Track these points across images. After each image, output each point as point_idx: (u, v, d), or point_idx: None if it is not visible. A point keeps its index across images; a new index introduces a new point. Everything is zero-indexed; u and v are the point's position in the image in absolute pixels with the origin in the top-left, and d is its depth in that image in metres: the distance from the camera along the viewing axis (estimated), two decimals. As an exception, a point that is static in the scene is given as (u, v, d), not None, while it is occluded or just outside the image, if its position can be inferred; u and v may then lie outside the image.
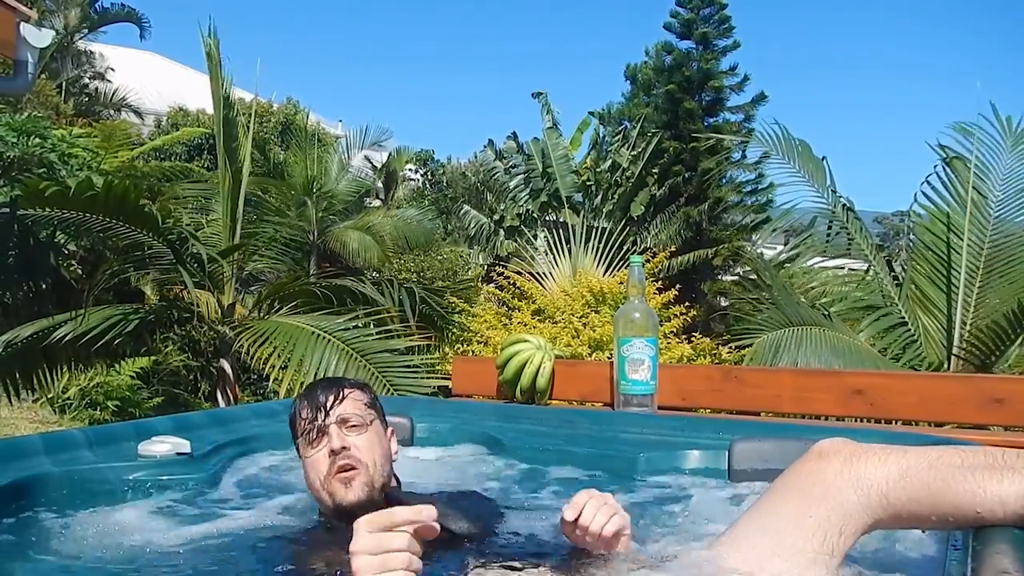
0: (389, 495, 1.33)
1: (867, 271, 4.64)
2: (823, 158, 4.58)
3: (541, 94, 11.56)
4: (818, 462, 1.12)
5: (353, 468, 1.30)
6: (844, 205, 4.54)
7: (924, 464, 1.05)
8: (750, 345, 4.17)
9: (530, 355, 2.64)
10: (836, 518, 1.06)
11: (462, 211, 12.81)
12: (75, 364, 5.23)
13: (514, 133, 11.62)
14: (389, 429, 1.44)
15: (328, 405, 1.35)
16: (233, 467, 1.85)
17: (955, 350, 4.02)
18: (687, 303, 7.89)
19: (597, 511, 1.11)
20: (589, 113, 12.90)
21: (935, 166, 4.24)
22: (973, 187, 4.07)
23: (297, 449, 1.39)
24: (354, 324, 4.94)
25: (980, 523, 1.02)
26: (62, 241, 6.15)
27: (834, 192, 4.54)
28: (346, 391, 1.39)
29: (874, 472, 1.06)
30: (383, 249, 10.29)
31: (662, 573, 1.17)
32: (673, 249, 11.81)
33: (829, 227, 4.60)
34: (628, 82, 17.01)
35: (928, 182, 4.25)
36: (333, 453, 1.31)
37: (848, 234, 4.51)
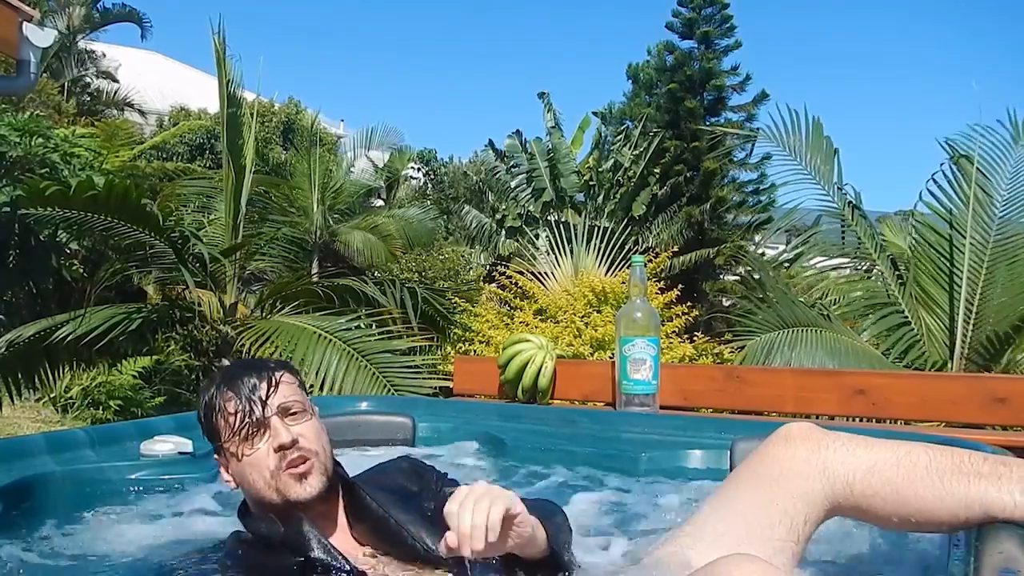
0: (343, 480, 1.25)
1: (868, 270, 4.62)
2: (835, 150, 4.51)
3: (545, 94, 11.57)
4: (784, 448, 1.11)
5: (306, 460, 1.18)
6: (850, 202, 4.51)
7: (892, 461, 1.04)
8: (742, 347, 4.17)
9: (532, 355, 2.65)
10: (802, 506, 1.06)
11: (463, 211, 12.80)
12: (77, 364, 5.24)
13: (517, 131, 11.62)
14: (315, 409, 1.30)
15: (264, 395, 1.19)
16: (235, 466, 1.85)
17: (958, 349, 4.01)
18: (689, 303, 7.88)
19: (471, 513, 0.93)
20: (591, 112, 12.91)
21: (941, 164, 4.21)
22: (978, 185, 4.06)
23: (220, 449, 1.22)
24: (356, 324, 4.94)
25: (940, 531, 1.04)
26: (64, 240, 6.15)
27: (840, 189, 4.51)
28: (277, 375, 1.22)
29: (841, 462, 1.06)
30: (386, 249, 10.30)
31: (630, 571, 1.16)
32: (675, 249, 11.81)
33: (843, 227, 4.57)
34: (630, 81, 17.04)
35: (934, 180, 4.22)
36: (283, 448, 1.17)
37: (853, 232, 4.48)
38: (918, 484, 1.02)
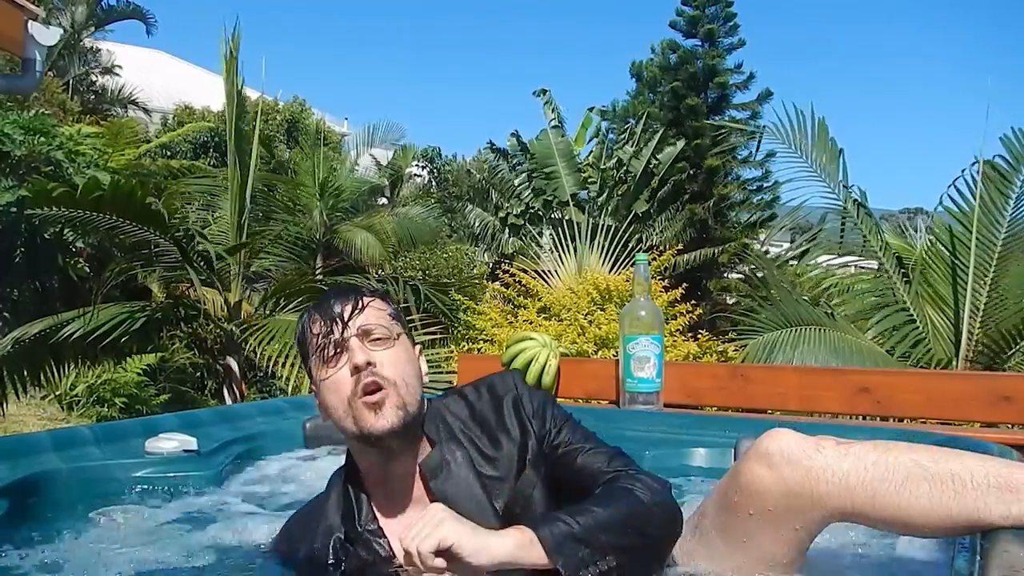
0: (425, 431, 1.18)
1: (879, 269, 4.60)
2: (840, 150, 4.48)
3: (544, 92, 11.54)
4: (768, 472, 1.09)
5: (380, 388, 1.11)
6: (856, 200, 4.49)
7: (891, 490, 1.03)
8: (745, 345, 4.16)
9: (535, 353, 2.64)
10: (805, 534, 1.12)
11: (467, 209, 12.80)
12: (82, 361, 5.26)
13: (516, 132, 11.61)
14: (417, 347, 1.23)
15: (346, 316, 1.15)
16: (239, 464, 1.86)
17: (963, 347, 3.99)
18: (693, 301, 7.86)
19: (413, 541, 0.97)
20: (593, 110, 12.86)
21: (963, 170, 4.15)
22: (990, 180, 4.02)
23: (309, 373, 1.19)
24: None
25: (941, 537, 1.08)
26: (70, 239, 6.17)
27: (846, 187, 4.48)
28: (366, 299, 1.18)
29: (838, 495, 1.06)
30: (388, 247, 10.30)
31: None
32: (680, 247, 11.79)
33: (842, 225, 4.54)
34: (634, 79, 17.01)
35: (955, 187, 4.17)
36: (357, 370, 1.11)
37: (859, 231, 4.46)
38: (929, 516, 1.02)
